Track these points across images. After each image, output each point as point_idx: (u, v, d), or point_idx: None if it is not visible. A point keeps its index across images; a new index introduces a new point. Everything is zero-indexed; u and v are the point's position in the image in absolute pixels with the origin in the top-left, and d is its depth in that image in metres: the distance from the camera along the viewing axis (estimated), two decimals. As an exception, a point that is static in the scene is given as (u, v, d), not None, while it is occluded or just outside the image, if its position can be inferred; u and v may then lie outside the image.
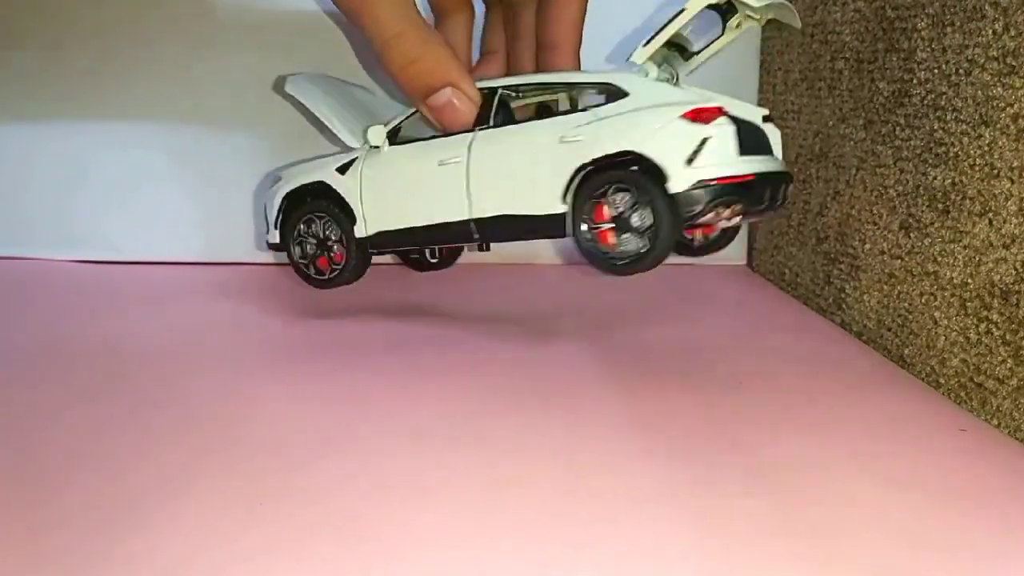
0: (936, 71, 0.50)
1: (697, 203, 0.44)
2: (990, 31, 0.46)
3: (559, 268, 0.76)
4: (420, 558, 0.33)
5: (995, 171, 0.46)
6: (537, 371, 0.52)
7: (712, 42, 0.49)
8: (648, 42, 0.47)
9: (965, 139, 0.48)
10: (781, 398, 0.49)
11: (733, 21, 0.48)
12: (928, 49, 0.51)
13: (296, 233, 0.56)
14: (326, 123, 0.56)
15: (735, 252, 0.78)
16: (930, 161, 0.51)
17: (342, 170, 0.55)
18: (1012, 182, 0.44)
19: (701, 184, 0.44)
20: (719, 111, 0.45)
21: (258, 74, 0.73)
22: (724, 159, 0.45)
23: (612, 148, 0.45)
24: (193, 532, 0.34)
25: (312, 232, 0.56)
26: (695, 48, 0.50)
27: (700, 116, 0.45)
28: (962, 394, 0.49)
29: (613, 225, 0.46)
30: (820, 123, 0.64)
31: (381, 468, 0.39)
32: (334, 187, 0.55)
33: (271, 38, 0.73)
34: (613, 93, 0.48)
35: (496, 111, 0.51)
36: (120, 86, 0.73)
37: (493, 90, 0.51)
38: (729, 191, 0.45)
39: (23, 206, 0.74)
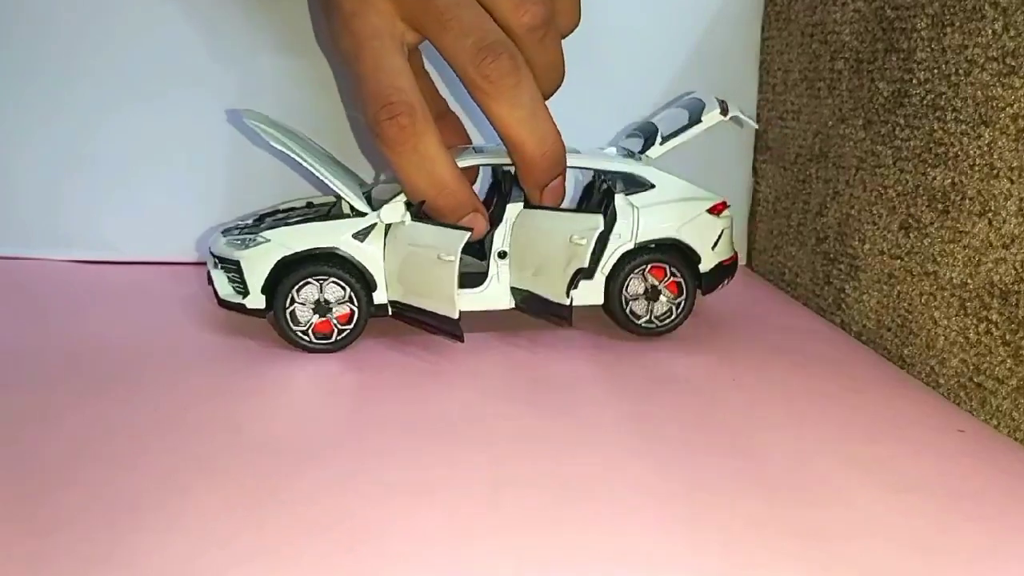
0: (936, 71, 0.50)
1: (716, 279, 0.58)
2: (990, 31, 0.46)
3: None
4: (420, 558, 0.33)
5: (995, 171, 0.46)
6: (535, 372, 0.52)
7: (685, 129, 0.57)
8: (664, 142, 0.57)
9: (965, 139, 0.48)
10: (780, 399, 0.49)
11: (709, 117, 0.57)
12: (928, 49, 0.51)
13: (288, 300, 0.52)
14: (331, 186, 0.54)
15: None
16: (930, 161, 0.51)
17: (360, 237, 0.53)
18: (1012, 182, 0.44)
19: (719, 265, 0.57)
20: (725, 205, 0.58)
21: (263, 67, 0.72)
22: (729, 245, 0.58)
23: (655, 235, 0.56)
24: (193, 533, 0.34)
25: (303, 297, 0.53)
26: (665, 133, 0.59)
27: (716, 210, 0.57)
28: (961, 394, 0.49)
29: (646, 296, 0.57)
30: (820, 123, 0.64)
31: (382, 468, 0.39)
32: (352, 255, 0.53)
33: (282, 32, 0.72)
34: (640, 183, 0.57)
35: (509, 190, 0.57)
36: (114, 75, 0.71)
37: (508, 172, 0.57)
38: (732, 269, 0.59)
39: (12, 203, 0.73)
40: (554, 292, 0.53)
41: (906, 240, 0.54)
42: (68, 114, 0.72)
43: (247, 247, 0.53)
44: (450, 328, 0.52)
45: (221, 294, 0.55)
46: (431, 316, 0.52)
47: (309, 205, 0.60)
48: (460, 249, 0.51)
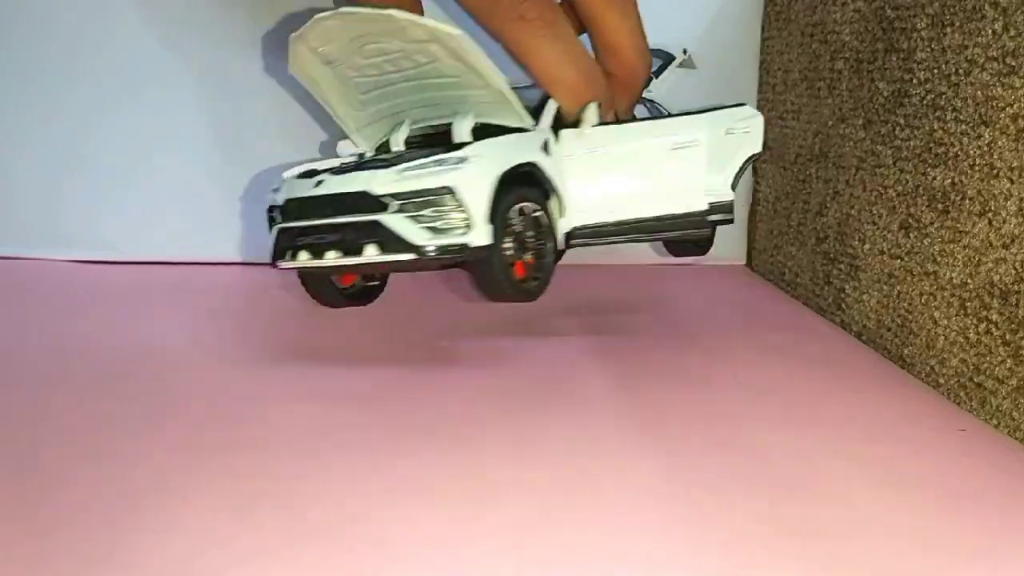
0: (936, 71, 0.50)
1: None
2: (990, 31, 0.46)
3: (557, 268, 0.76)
4: (420, 558, 0.33)
5: (995, 171, 0.46)
6: (537, 371, 0.52)
7: (664, 67, 0.61)
8: (656, 77, 0.60)
9: (965, 139, 0.48)
10: (780, 398, 0.49)
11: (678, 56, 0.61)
12: (928, 49, 0.51)
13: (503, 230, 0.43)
14: (503, 90, 0.46)
15: (735, 252, 0.78)
16: (930, 161, 0.51)
17: (545, 150, 0.46)
18: (1012, 182, 0.44)
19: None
20: None
21: (263, 66, 0.72)
22: None
23: None
24: (193, 533, 0.34)
25: (512, 230, 0.43)
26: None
27: None
28: (961, 394, 0.49)
29: None
30: (820, 123, 0.64)
31: (381, 469, 0.39)
32: (546, 170, 0.44)
33: (282, 31, 0.72)
34: (659, 109, 0.60)
35: None
36: (114, 75, 0.71)
37: None
38: None
39: (12, 203, 0.73)
40: (712, 193, 0.53)
41: (906, 240, 0.54)
42: (68, 114, 0.72)
43: (449, 169, 0.42)
44: (691, 227, 0.49)
45: (419, 240, 0.42)
46: (655, 224, 0.48)
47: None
48: (706, 132, 0.51)
